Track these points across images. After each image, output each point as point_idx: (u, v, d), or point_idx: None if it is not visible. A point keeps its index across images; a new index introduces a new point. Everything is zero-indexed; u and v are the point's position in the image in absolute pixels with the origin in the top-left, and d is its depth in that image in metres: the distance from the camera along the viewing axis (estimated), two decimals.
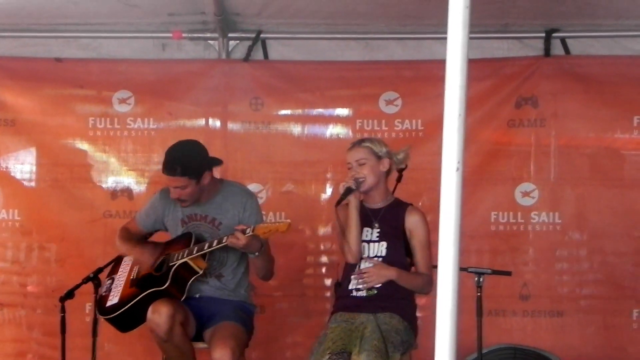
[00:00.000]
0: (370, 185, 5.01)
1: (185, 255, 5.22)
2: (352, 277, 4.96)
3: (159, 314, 4.99)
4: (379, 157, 5.02)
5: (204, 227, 5.42)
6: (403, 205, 5.10)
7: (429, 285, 4.92)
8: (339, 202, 4.98)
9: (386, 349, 4.57)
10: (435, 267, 2.90)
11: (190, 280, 5.25)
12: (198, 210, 5.43)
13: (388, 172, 5.09)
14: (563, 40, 6.62)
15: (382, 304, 4.85)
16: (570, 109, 6.60)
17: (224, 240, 5.12)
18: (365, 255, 4.97)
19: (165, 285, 5.18)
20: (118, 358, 6.62)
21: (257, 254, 5.20)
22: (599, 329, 6.50)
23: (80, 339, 6.09)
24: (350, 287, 4.96)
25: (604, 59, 6.60)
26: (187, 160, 5.26)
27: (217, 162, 5.45)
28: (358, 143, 5.10)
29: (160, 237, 5.67)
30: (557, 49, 6.63)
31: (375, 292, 4.90)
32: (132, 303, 5.25)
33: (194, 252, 5.21)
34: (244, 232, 5.04)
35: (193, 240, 5.30)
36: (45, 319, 6.47)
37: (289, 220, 5.17)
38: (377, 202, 5.08)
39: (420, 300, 5.13)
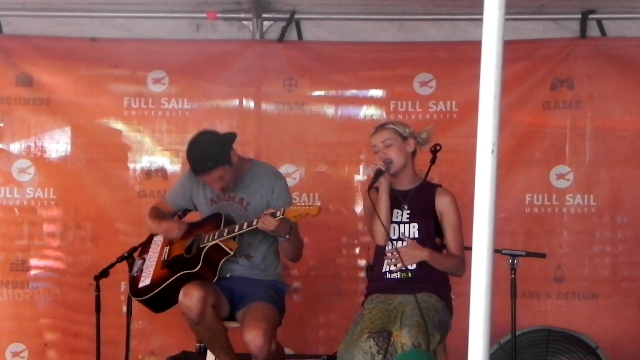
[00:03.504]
0: (399, 166, 4.98)
1: (215, 237, 5.22)
2: (387, 253, 4.94)
3: (190, 298, 4.99)
4: (404, 138, 5.00)
5: (232, 207, 5.39)
6: (432, 186, 5.09)
7: (462, 267, 4.89)
8: (371, 186, 4.94)
9: (427, 327, 4.55)
10: (470, 249, 2.89)
11: (222, 262, 5.25)
12: (227, 190, 5.41)
13: (414, 153, 5.07)
14: (599, 22, 6.55)
15: (419, 285, 4.82)
16: (606, 91, 6.55)
17: (254, 223, 5.11)
18: (396, 236, 4.95)
19: (197, 268, 5.19)
20: (153, 335, 6.68)
21: (287, 237, 5.20)
22: (633, 311, 6.46)
23: (115, 317, 6.16)
24: (383, 269, 4.95)
25: None
26: (212, 151, 5.23)
27: (232, 136, 5.38)
28: (381, 126, 5.09)
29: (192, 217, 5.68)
30: (593, 30, 6.56)
31: (410, 275, 4.87)
32: (164, 285, 5.26)
33: (225, 234, 5.21)
34: (274, 215, 5.04)
35: (223, 222, 5.28)
36: (80, 297, 6.50)
37: (319, 204, 5.16)
38: (405, 184, 5.06)
39: (453, 283, 5.09)
